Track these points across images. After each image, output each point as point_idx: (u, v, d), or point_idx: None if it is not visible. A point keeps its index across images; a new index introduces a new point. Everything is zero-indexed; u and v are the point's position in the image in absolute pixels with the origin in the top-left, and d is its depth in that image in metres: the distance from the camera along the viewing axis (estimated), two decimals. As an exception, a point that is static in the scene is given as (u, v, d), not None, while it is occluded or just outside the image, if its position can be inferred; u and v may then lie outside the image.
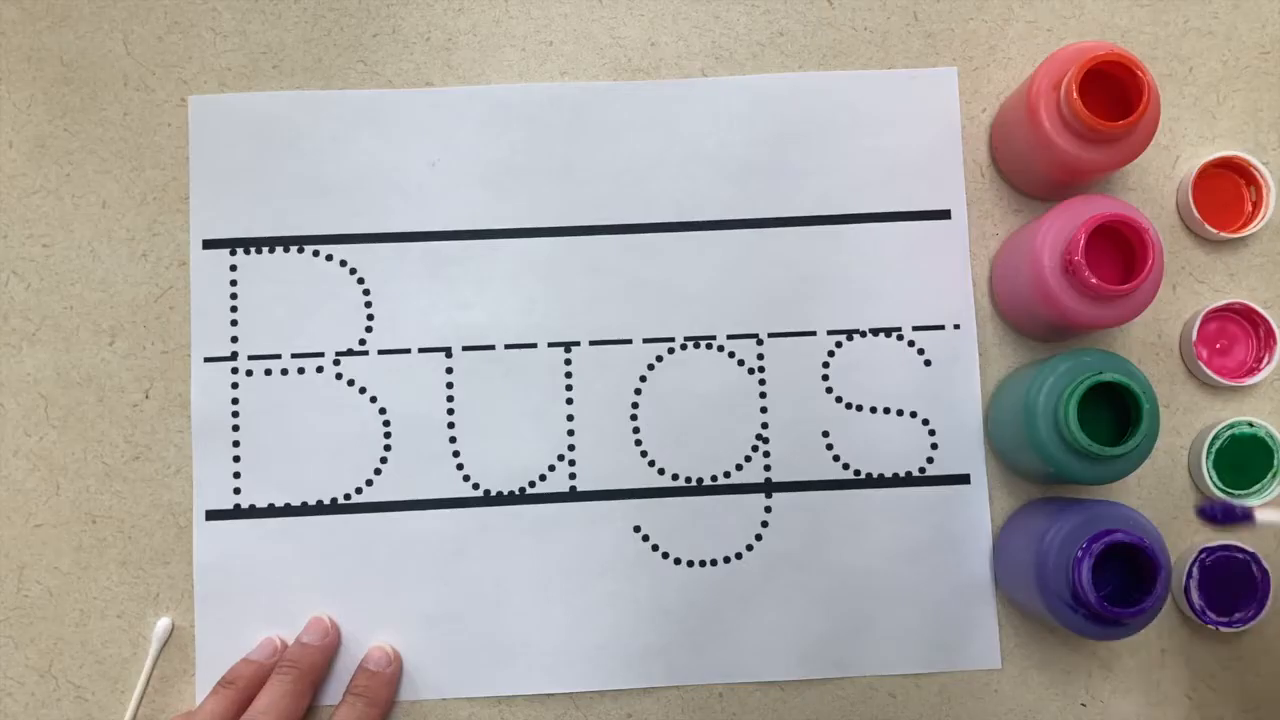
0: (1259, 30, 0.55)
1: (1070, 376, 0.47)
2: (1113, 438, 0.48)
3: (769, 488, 0.53)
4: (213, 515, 0.52)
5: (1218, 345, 0.54)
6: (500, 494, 0.53)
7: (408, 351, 0.53)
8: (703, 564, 0.53)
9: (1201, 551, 0.51)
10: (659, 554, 0.53)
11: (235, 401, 0.53)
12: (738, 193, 0.54)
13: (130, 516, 0.52)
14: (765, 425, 0.54)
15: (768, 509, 0.53)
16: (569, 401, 0.53)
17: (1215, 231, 0.53)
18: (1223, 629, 0.51)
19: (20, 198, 0.54)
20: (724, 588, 0.53)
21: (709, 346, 0.54)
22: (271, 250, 0.54)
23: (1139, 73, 0.47)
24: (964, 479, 0.53)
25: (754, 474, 0.53)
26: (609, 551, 0.53)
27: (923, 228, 0.54)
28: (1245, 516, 0.45)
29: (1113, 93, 0.49)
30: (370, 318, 0.53)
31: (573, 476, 0.53)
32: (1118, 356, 0.49)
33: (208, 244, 0.54)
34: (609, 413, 0.53)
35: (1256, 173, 0.54)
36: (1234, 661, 0.53)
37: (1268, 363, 0.53)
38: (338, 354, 0.53)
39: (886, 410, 0.54)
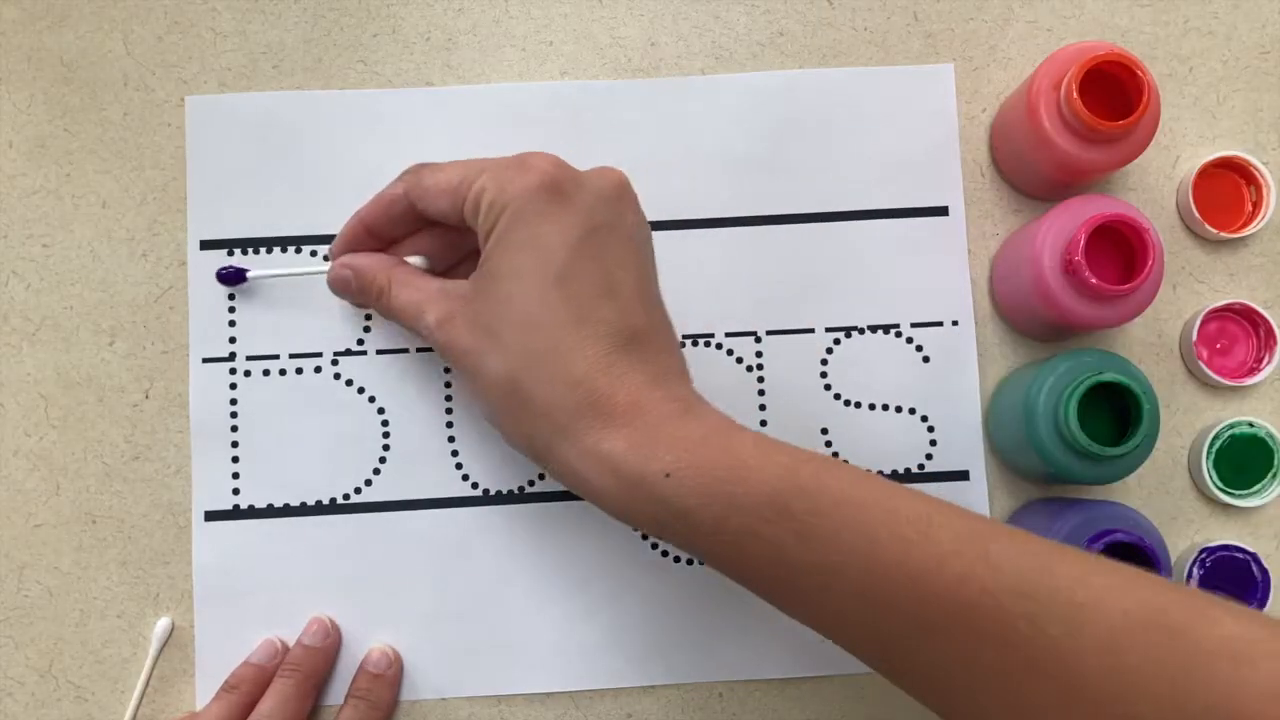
0: (1259, 30, 0.55)
1: (1070, 376, 0.47)
2: (1113, 438, 0.48)
3: (769, 487, 0.53)
4: (211, 516, 0.52)
5: (1218, 345, 0.54)
6: (500, 493, 0.53)
7: (406, 351, 0.53)
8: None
9: (1201, 551, 0.51)
10: (658, 552, 0.53)
11: (234, 402, 0.53)
12: (736, 190, 0.54)
13: (130, 516, 0.52)
14: (764, 423, 0.54)
15: (767, 508, 0.53)
16: (568, 401, 0.53)
17: (1215, 231, 0.53)
18: (1222, 629, 0.51)
19: (20, 198, 0.54)
20: (724, 586, 0.52)
21: (707, 344, 0.54)
22: (270, 250, 0.54)
23: (1139, 73, 0.47)
24: (963, 475, 0.54)
25: (754, 473, 0.53)
26: (609, 550, 0.53)
27: (921, 224, 0.54)
28: None
29: (1113, 93, 0.49)
30: (368, 317, 0.53)
31: (572, 476, 0.53)
32: (1118, 356, 0.49)
33: (205, 244, 0.54)
34: (608, 412, 0.53)
35: (1256, 173, 0.54)
36: (1234, 661, 0.53)
37: (1268, 363, 0.53)
38: (336, 354, 0.53)
39: (885, 407, 0.54)
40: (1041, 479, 0.53)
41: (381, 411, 0.53)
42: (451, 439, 0.53)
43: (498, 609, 0.52)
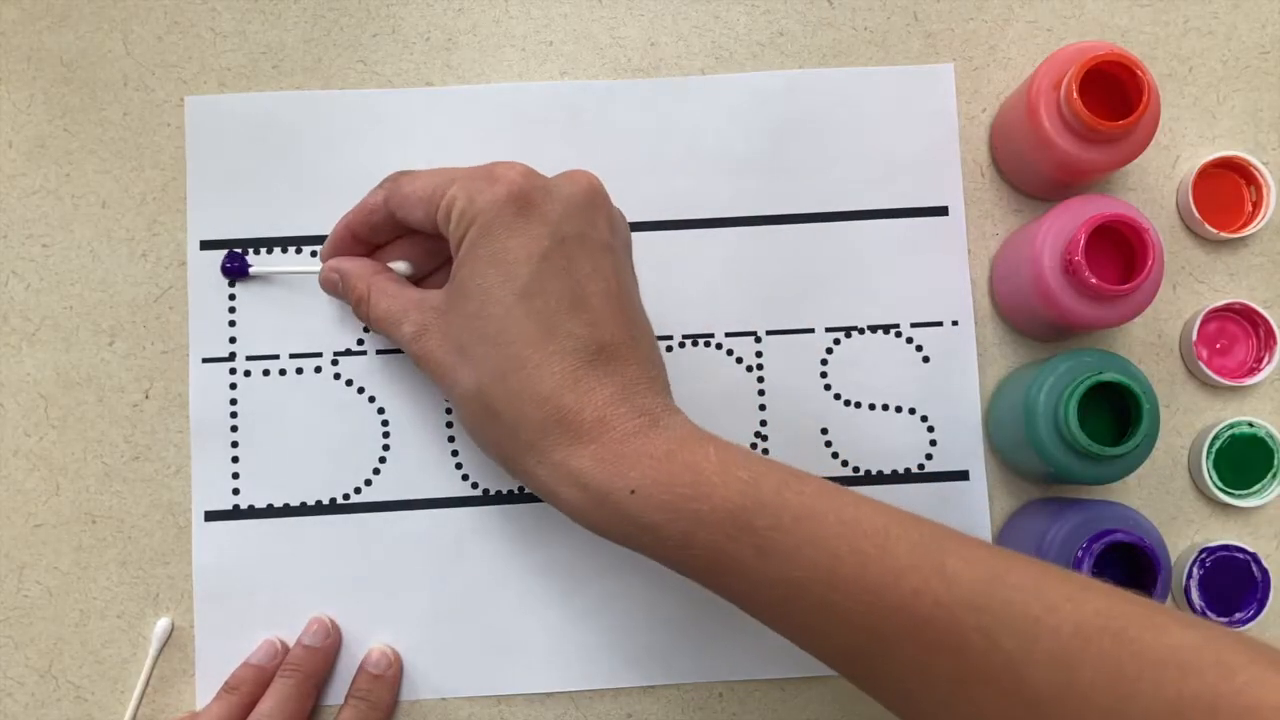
0: (1259, 30, 0.55)
1: (1070, 376, 0.47)
2: (1113, 438, 0.48)
3: (769, 487, 0.53)
4: (211, 516, 0.52)
5: (1218, 345, 0.54)
6: (500, 493, 0.53)
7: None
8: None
9: (1201, 551, 0.51)
10: (658, 553, 0.53)
11: (234, 402, 0.53)
12: (736, 190, 0.54)
13: (130, 516, 0.52)
14: (764, 423, 0.54)
15: (767, 508, 0.53)
16: (568, 401, 0.53)
17: (1215, 231, 0.53)
18: (1222, 629, 0.51)
19: (20, 198, 0.54)
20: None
21: (707, 344, 0.54)
22: (270, 250, 0.54)
23: (1139, 73, 0.47)
24: (963, 475, 0.53)
25: (754, 473, 0.53)
26: (609, 550, 0.52)
27: (921, 224, 0.54)
28: None
29: (1113, 93, 0.49)
30: (369, 317, 0.53)
31: (572, 476, 0.53)
32: (1118, 356, 0.49)
33: (205, 245, 0.54)
34: (608, 412, 0.53)
35: (1256, 173, 0.54)
36: (1234, 661, 0.53)
37: (1268, 363, 0.53)
38: (336, 354, 0.53)
39: (885, 407, 0.54)
40: (1041, 479, 0.53)
41: (381, 411, 0.53)
42: (451, 439, 0.53)
43: (498, 609, 0.52)
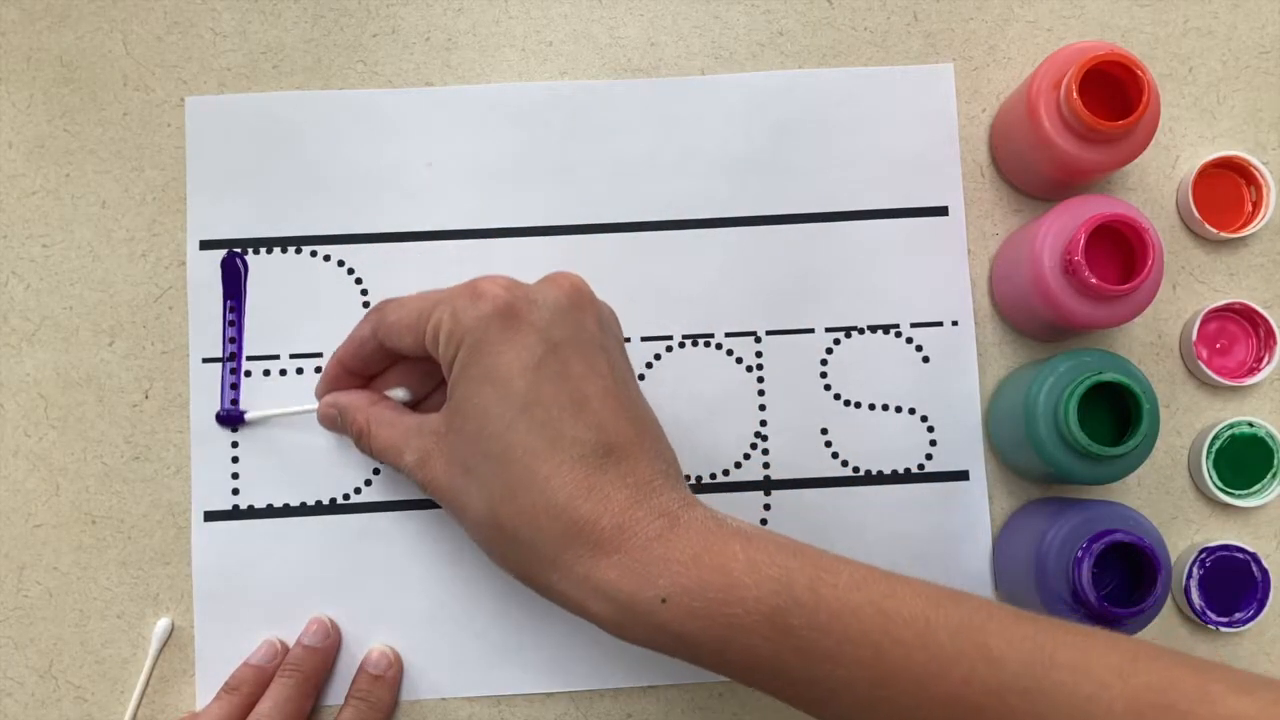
0: (1259, 30, 0.55)
1: (1070, 376, 0.47)
2: (1113, 438, 0.48)
3: (768, 485, 0.53)
4: (211, 516, 0.52)
5: (1218, 345, 0.54)
6: (500, 494, 0.53)
7: (407, 352, 0.53)
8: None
9: (1201, 551, 0.51)
10: (658, 553, 0.53)
11: (234, 403, 0.53)
12: (735, 190, 0.54)
13: (130, 517, 0.52)
14: (764, 423, 0.54)
15: (767, 506, 0.53)
16: (568, 401, 0.53)
17: (1215, 231, 0.53)
18: (1223, 629, 0.51)
19: (20, 198, 0.54)
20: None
21: (707, 344, 0.54)
22: (269, 251, 0.54)
23: (1139, 73, 0.47)
24: (963, 475, 0.53)
25: (753, 472, 0.53)
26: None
27: (920, 224, 0.54)
28: None
29: (1113, 93, 0.49)
30: (369, 318, 0.53)
31: (572, 476, 0.53)
32: (1118, 356, 0.49)
33: (205, 244, 0.54)
34: (608, 412, 0.53)
35: (1256, 173, 0.54)
36: (1234, 661, 0.53)
37: (1268, 363, 0.53)
38: (336, 354, 0.53)
39: (885, 407, 0.54)
40: (1041, 479, 0.53)
41: (381, 411, 0.53)
42: (451, 439, 0.53)
43: (498, 609, 0.52)
